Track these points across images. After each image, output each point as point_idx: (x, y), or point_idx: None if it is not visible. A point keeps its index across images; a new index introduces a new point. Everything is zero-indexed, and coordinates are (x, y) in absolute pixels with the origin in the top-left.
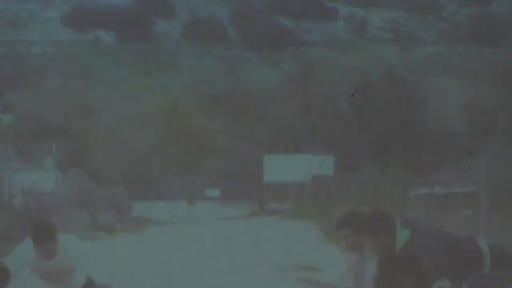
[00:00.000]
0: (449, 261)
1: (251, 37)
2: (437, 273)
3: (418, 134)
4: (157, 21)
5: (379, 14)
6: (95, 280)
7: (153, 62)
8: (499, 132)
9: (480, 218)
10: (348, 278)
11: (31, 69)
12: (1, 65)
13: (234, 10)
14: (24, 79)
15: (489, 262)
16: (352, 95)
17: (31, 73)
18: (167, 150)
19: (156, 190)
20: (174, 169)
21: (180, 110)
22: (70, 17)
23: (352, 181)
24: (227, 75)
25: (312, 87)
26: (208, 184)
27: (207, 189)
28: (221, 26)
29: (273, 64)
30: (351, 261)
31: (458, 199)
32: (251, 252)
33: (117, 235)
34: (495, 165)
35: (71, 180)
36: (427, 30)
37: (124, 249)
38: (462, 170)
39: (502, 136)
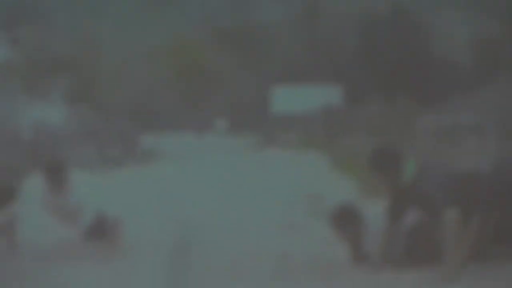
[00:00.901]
0: (457, 193)
1: None
2: (446, 203)
3: (425, 65)
4: None
5: None
6: (106, 215)
7: None
8: (505, 62)
9: (487, 149)
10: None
11: (40, 4)
12: (9, 1)
13: None
14: (32, 14)
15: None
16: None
17: (39, 8)
18: (175, 84)
19: (164, 122)
20: (183, 102)
21: (187, 45)
22: None
23: (360, 112)
24: (233, 9)
25: (319, 20)
26: (216, 116)
27: (215, 121)
28: None
29: None
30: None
31: (465, 130)
32: (260, 184)
33: (125, 168)
34: (501, 96)
35: (79, 113)
36: None
37: (133, 181)
38: (469, 101)
39: (508, 66)
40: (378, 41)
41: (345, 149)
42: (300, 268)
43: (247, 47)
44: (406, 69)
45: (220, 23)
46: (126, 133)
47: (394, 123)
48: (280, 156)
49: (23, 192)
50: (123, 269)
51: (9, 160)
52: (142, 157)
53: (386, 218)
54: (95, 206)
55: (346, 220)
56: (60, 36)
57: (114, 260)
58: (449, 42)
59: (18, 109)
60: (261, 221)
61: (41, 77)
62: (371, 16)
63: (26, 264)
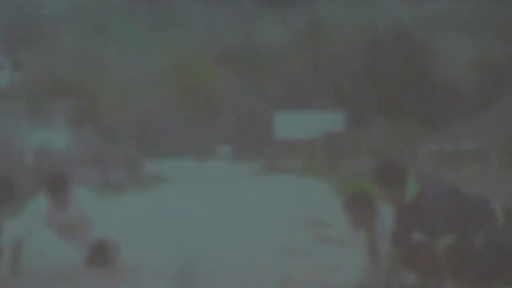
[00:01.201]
0: (459, 217)
1: None
2: (445, 228)
3: (427, 89)
4: None
5: None
6: (105, 241)
7: (163, 20)
8: (509, 87)
9: (489, 175)
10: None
11: (43, 27)
12: (12, 24)
13: None
14: (35, 38)
15: (500, 222)
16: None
17: (42, 31)
18: (178, 108)
19: (167, 147)
20: (185, 127)
21: (191, 68)
22: None
23: (363, 137)
24: (237, 33)
25: (322, 44)
26: (219, 142)
27: (218, 147)
28: None
29: (283, 21)
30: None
31: (467, 155)
32: (262, 209)
33: (128, 193)
34: (504, 121)
35: (82, 138)
36: None
37: (135, 207)
38: (472, 126)
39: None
40: (381, 65)
41: (348, 174)
42: None
43: (250, 71)
44: (409, 93)
45: (224, 47)
46: (130, 158)
47: (396, 147)
48: (282, 181)
49: (24, 213)
50: None
51: None
52: (145, 182)
53: (391, 244)
54: (99, 228)
55: (360, 204)
56: (63, 59)
57: (116, 286)
58: (452, 66)
59: (21, 133)
60: (264, 246)
61: (44, 101)
62: (374, 40)
63: None
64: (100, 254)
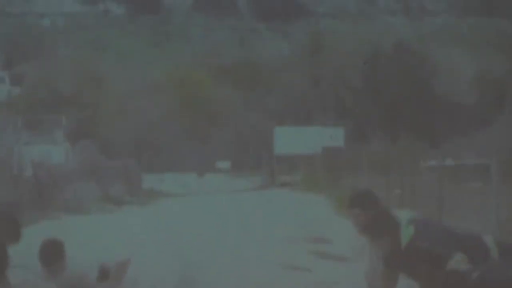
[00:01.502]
0: (452, 254)
1: (261, 8)
2: (448, 252)
3: (428, 104)
4: None
5: None
6: (109, 263)
7: (163, 33)
8: (509, 102)
9: (491, 190)
10: (358, 250)
11: (42, 41)
12: (12, 37)
13: None
14: (34, 51)
15: (496, 258)
16: (365, 63)
17: (41, 45)
18: (177, 121)
19: (166, 161)
20: (185, 140)
21: (190, 81)
22: None
23: (363, 152)
24: (237, 46)
25: (322, 58)
26: (218, 156)
27: (217, 161)
28: None
29: (283, 35)
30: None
31: (469, 171)
32: (261, 224)
33: (127, 207)
34: (505, 136)
35: (80, 151)
36: (437, 0)
37: (134, 221)
38: (473, 140)
39: None
40: (382, 80)
41: (348, 189)
42: None
43: (250, 85)
44: (409, 108)
45: (224, 61)
46: (129, 171)
47: (397, 162)
48: (282, 196)
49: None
50: None
51: (9, 197)
52: (145, 196)
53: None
54: (99, 255)
55: (363, 202)
56: (62, 72)
57: None
58: (453, 80)
59: (19, 146)
60: (263, 260)
61: (43, 114)
62: (375, 55)
63: None
64: (105, 275)
